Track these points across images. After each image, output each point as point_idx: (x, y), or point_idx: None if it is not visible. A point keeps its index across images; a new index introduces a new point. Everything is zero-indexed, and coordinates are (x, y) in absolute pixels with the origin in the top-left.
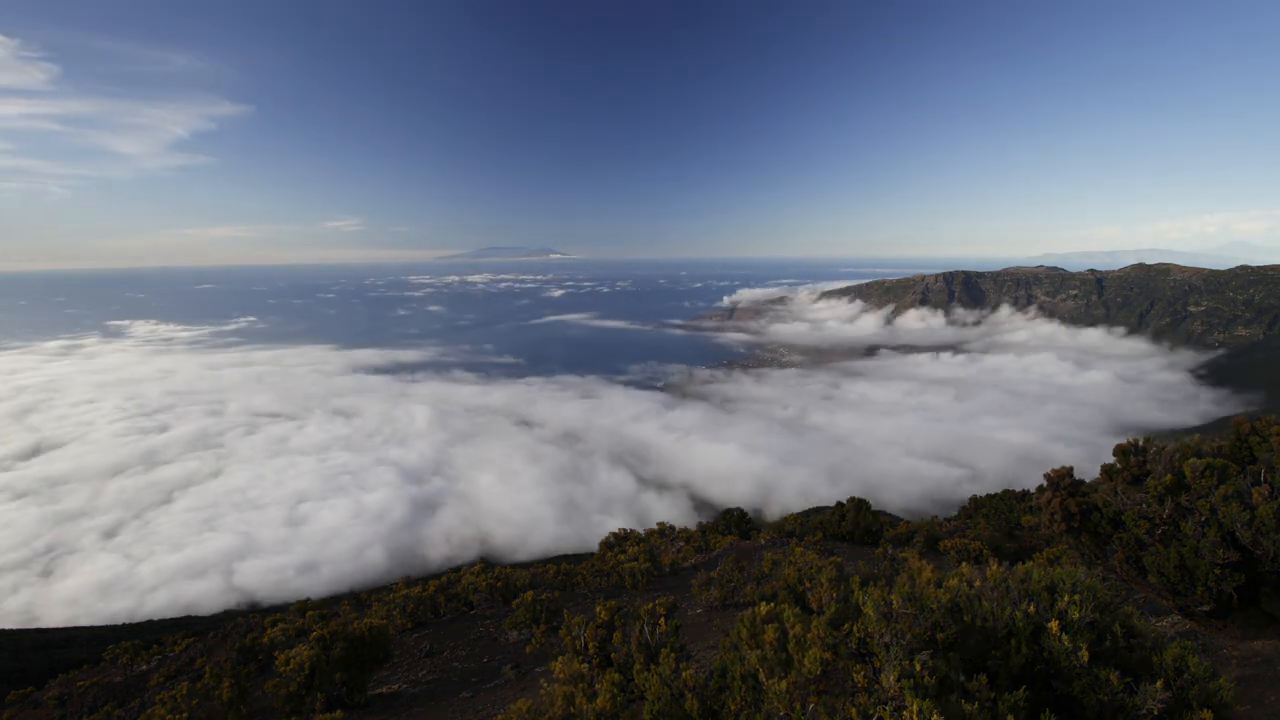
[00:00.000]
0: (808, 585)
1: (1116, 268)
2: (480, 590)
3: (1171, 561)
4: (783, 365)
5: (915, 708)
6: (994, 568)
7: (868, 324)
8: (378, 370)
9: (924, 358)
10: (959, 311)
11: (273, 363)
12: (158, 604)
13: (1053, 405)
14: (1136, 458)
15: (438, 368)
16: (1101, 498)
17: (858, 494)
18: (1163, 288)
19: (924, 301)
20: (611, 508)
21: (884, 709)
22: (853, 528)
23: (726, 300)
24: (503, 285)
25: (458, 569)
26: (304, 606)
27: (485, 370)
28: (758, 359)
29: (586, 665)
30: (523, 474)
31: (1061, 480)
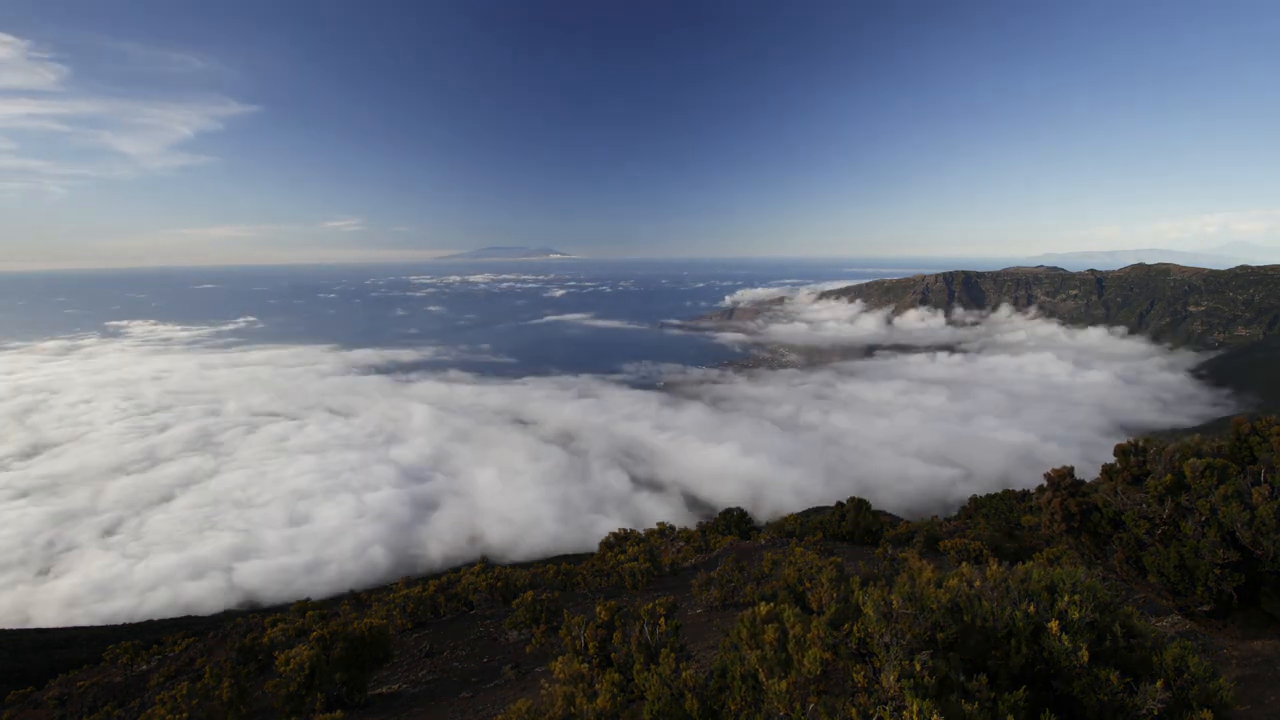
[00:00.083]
0: (808, 585)
1: (1116, 268)
2: (480, 590)
3: (1171, 561)
4: (781, 365)
5: (915, 708)
6: (994, 568)
7: (867, 324)
8: (376, 370)
9: (923, 358)
10: (959, 311)
11: (272, 362)
12: (157, 604)
13: (1052, 405)
14: (1136, 458)
15: (436, 368)
16: (1101, 498)
17: (854, 494)
18: (1163, 288)
19: (924, 301)
20: (607, 508)
21: (884, 709)
22: (853, 528)
23: (728, 300)
24: (504, 285)
25: (457, 569)
26: (304, 606)
27: (485, 370)
28: (756, 359)
29: (586, 665)
30: (520, 474)
31: (1062, 480)
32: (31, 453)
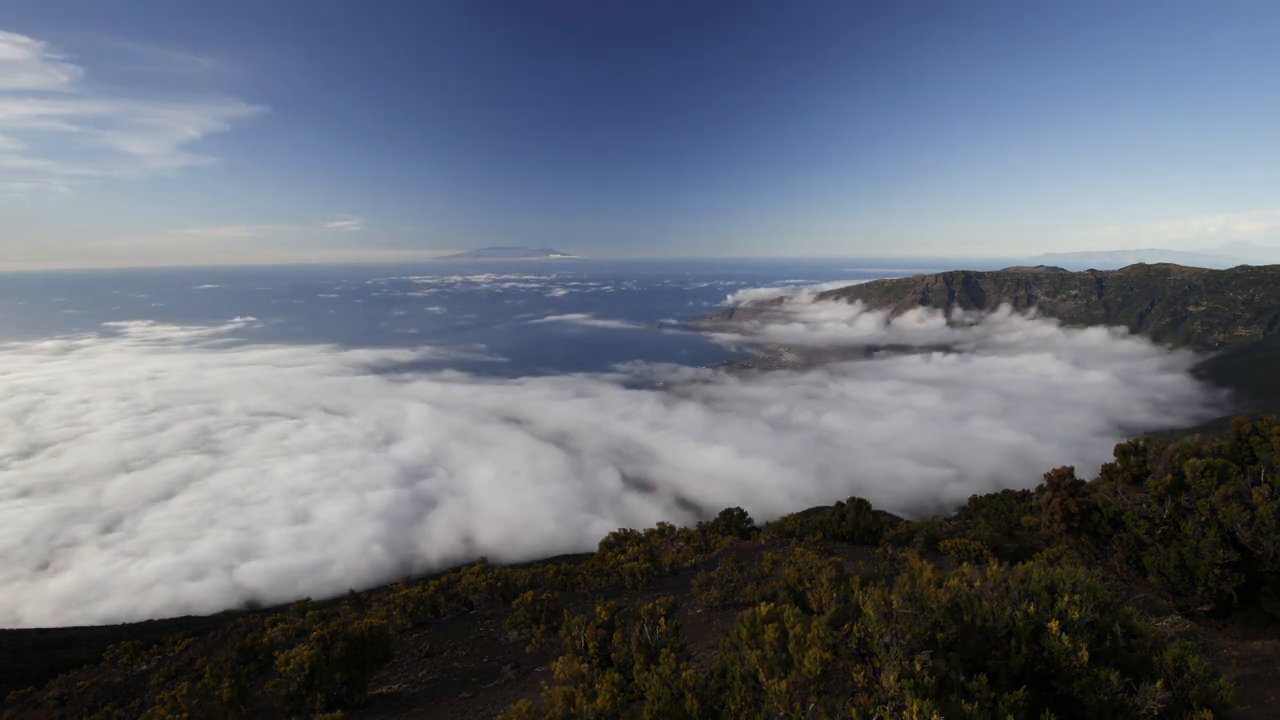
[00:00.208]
0: (808, 585)
1: (1117, 268)
2: (480, 590)
3: (1171, 561)
4: (780, 366)
5: (915, 708)
6: (994, 568)
7: (867, 324)
8: (375, 370)
9: (922, 358)
10: (959, 312)
11: (270, 362)
12: (157, 604)
13: (1052, 406)
14: (1136, 458)
15: (435, 368)
16: (1101, 498)
17: (846, 494)
18: (1163, 288)
19: (924, 302)
20: (600, 507)
21: (884, 709)
22: (852, 528)
23: (729, 299)
24: (506, 285)
25: (457, 569)
26: (304, 606)
27: (483, 370)
28: (755, 360)
29: (586, 665)
30: (516, 474)
31: (1062, 480)
32: (29, 452)
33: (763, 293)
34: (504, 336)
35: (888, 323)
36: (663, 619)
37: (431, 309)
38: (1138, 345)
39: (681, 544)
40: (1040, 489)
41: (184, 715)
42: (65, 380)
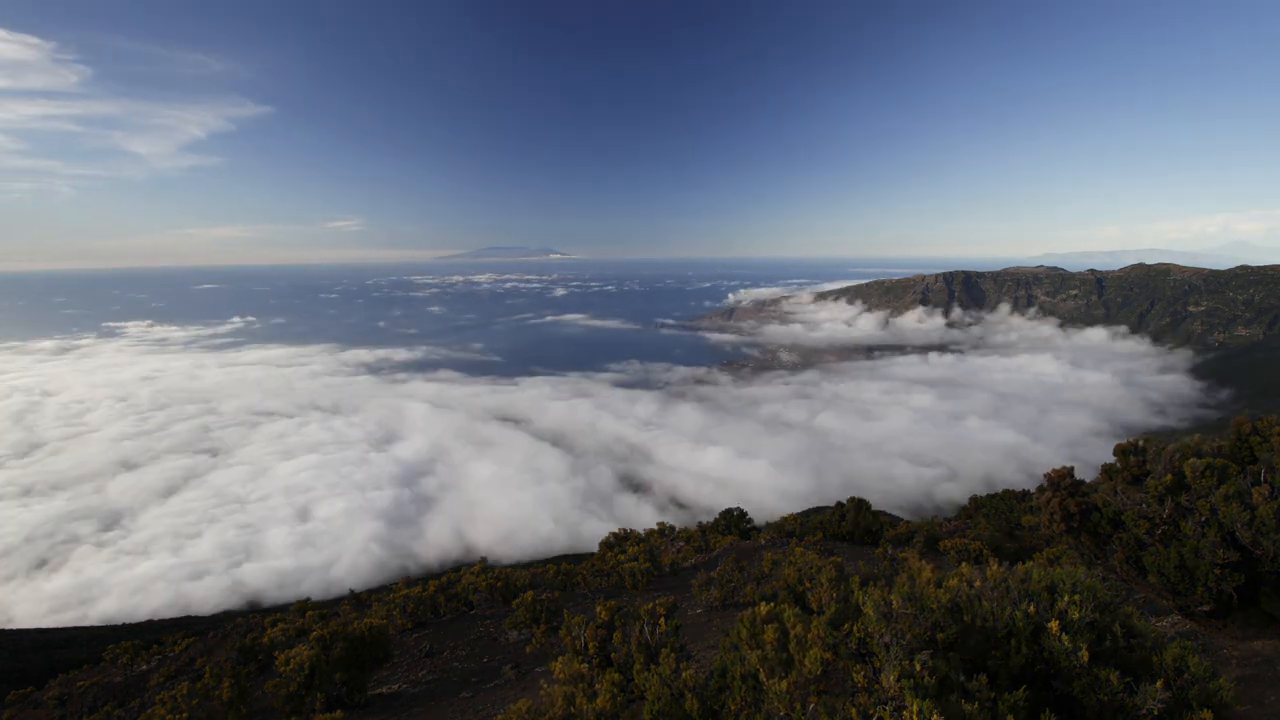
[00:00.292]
0: (808, 585)
1: (1117, 268)
2: (480, 590)
3: (1171, 561)
4: (779, 366)
5: (915, 708)
6: (994, 568)
7: (867, 324)
8: (374, 370)
9: (921, 358)
10: (958, 312)
11: (269, 362)
12: (157, 603)
13: (1051, 406)
14: (1136, 458)
15: (434, 367)
16: (1101, 498)
17: (838, 494)
18: (1163, 288)
19: (924, 302)
20: (594, 506)
21: (884, 709)
22: (852, 528)
23: (731, 298)
24: (508, 285)
25: (457, 569)
26: (304, 606)
27: (482, 370)
28: (754, 360)
29: (586, 665)
30: (512, 473)
31: (1062, 480)
32: (26, 451)
33: (763, 292)
34: (504, 336)
35: (887, 323)
36: (663, 619)
37: (433, 309)
38: (1138, 345)
39: (681, 544)
40: (1040, 489)
41: (184, 715)
42: (63, 380)
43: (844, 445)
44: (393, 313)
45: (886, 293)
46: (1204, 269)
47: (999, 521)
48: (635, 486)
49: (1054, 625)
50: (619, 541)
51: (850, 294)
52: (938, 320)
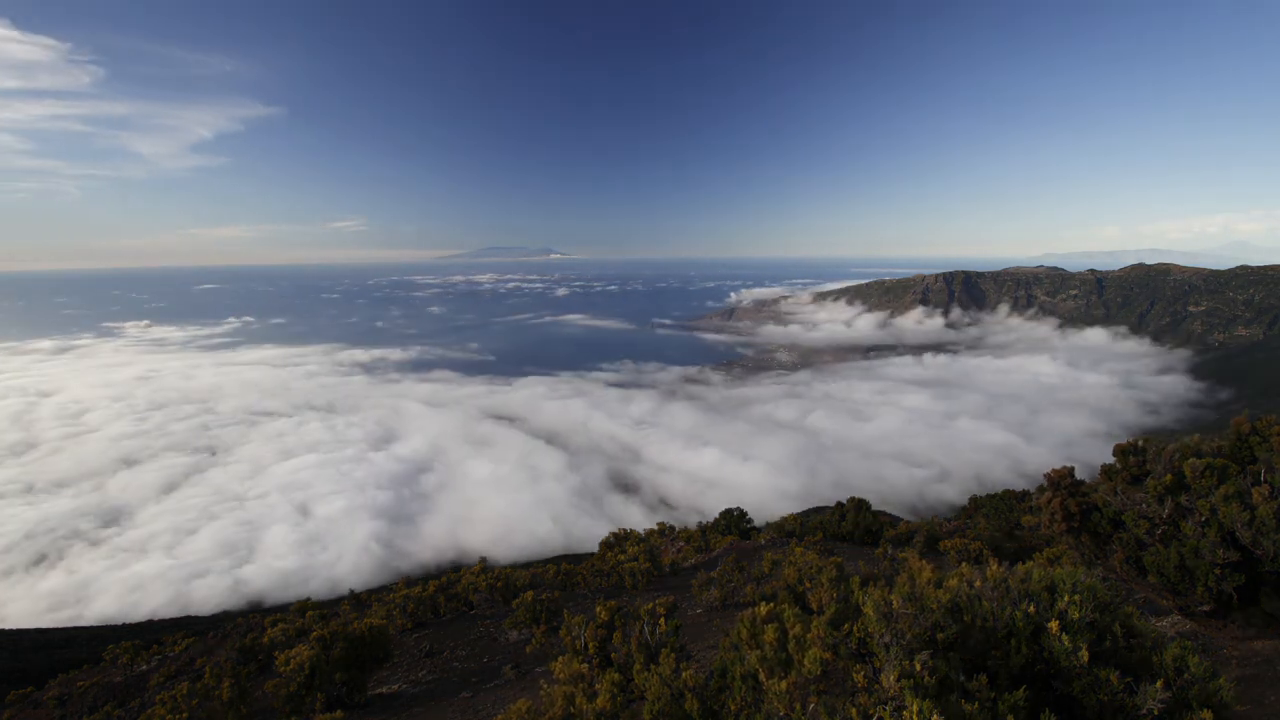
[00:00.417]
0: (808, 585)
1: (1117, 268)
2: (480, 590)
3: (1171, 561)
4: (774, 366)
5: (915, 708)
6: (994, 568)
7: (867, 324)
8: (372, 370)
9: (923, 358)
10: (958, 312)
11: (268, 362)
12: (156, 603)
13: (1051, 406)
14: (1136, 458)
15: (433, 368)
16: (1101, 498)
17: (830, 494)
18: (1163, 288)
19: (924, 302)
20: (590, 506)
21: (884, 709)
22: (853, 528)
23: (733, 297)
24: (510, 284)
25: (457, 569)
26: (304, 606)
27: (479, 370)
28: (749, 360)
29: (586, 665)
30: (509, 473)
31: (1062, 480)
32: (23, 451)
33: (764, 293)
34: (502, 336)
35: (887, 323)
36: (663, 619)
37: (433, 309)
38: (1138, 345)
39: (681, 544)
40: (1040, 489)
41: (184, 715)
42: (60, 380)
43: (835, 445)
44: (392, 313)
45: (886, 293)
46: (1204, 269)
47: (999, 521)
48: (625, 486)
49: (1054, 625)
50: (619, 541)
51: (850, 294)
52: (937, 320)
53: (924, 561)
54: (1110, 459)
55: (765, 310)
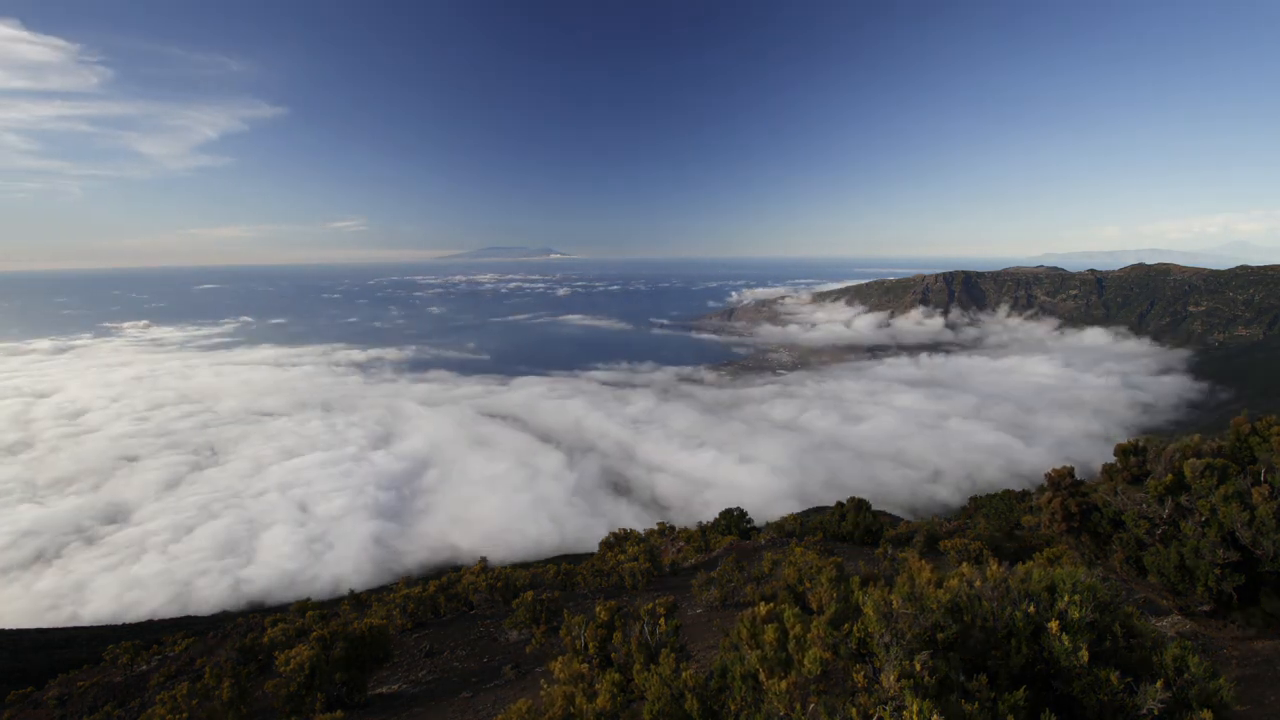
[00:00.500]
0: (808, 585)
1: (1117, 268)
2: (480, 590)
3: (1171, 561)
4: (770, 366)
5: (915, 708)
6: (994, 568)
7: (867, 324)
8: (371, 370)
9: (917, 358)
10: (958, 312)
11: (267, 362)
12: (156, 603)
13: (1050, 406)
14: (1136, 458)
15: (432, 367)
16: (1101, 498)
17: (829, 495)
18: (1163, 288)
19: (924, 302)
20: (585, 505)
21: (884, 709)
22: (853, 528)
23: (734, 297)
24: (512, 284)
25: (457, 569)
26: (304, 606)
27: (478, 370)
28: (745, 360)
29: (586, 665)
30: (504, 473)
31: (1062, 480)
32: (20, 451)
33: (765, 292)
34: (499, 336)
35: (888, 323)
36: (663, 619)
37: (433, 309)
38: (1138, 345)
39: (681, 544)
40: (1040, 489)
41: (184, 715)
42: (58, 380)
43: (830, 444)
44: (394, 313)
45: (886, 293)
46: (1204, 269)
47: (999, 521)
48: (617, 485)
49: (1054, 625)
50: (619, 541)
51: (850, 294)
52: (937, 320)
53: (924, 561)
54: (1109, 459)
55: (766, 310)
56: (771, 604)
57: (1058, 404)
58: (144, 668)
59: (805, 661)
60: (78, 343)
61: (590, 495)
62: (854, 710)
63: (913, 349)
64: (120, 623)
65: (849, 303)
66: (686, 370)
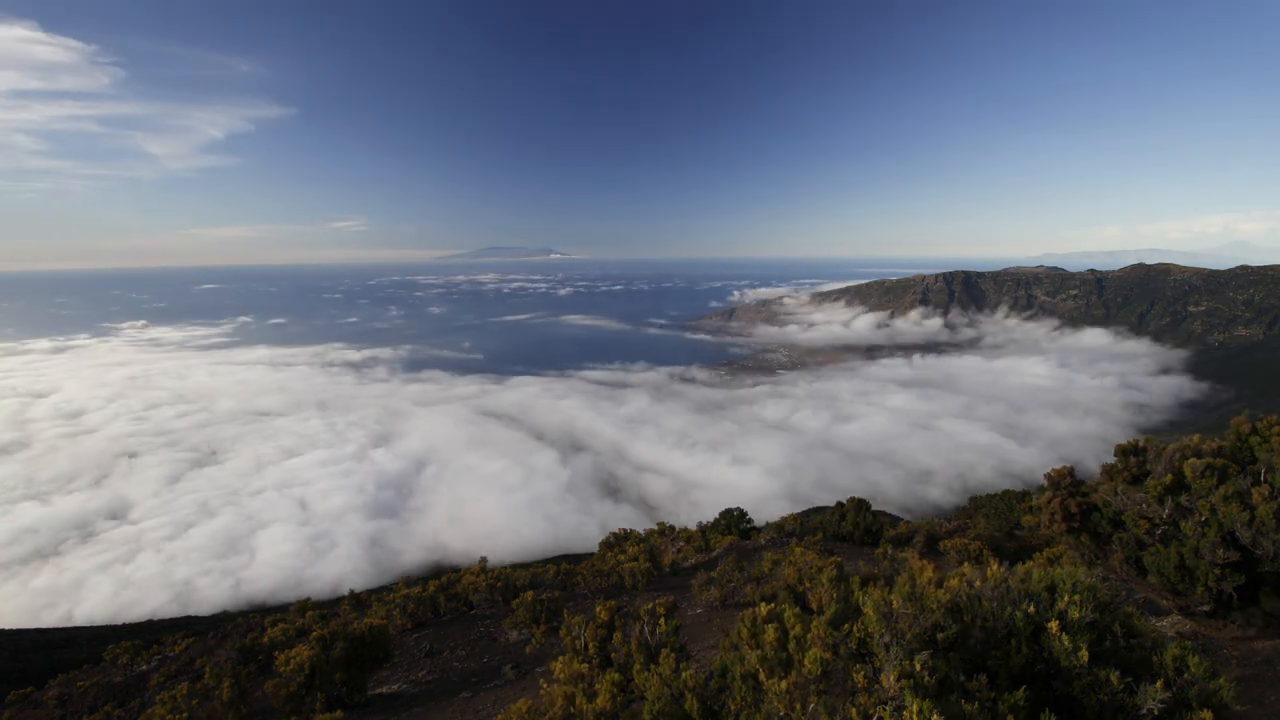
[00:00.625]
0: (808, 585)
1: (1117, 268)
2: (480, 590)
3: (1171, 561)
4: (766, 367)
5: (915, 708)
6: (994, 568)
7: (868, 324)
8: (369, 370)
9: (909, 360)
10: (958, 312)
11: (261, 362)
12: (157, 603)
13: (1051, 406)
14: (1136, 458)
15: (431, 367)
16: (1102, 498)
17: (820, 494)
18: (1163, 288)
19: (924, 302)
20: (577, 504)
21: (884, 709)
22: (853, 528)
23: (735, 296)
24: (513, 284)
25: (457, 569)
26: (304, 606)
27: (469, 370)
28: (742, 360)
29: (586, 665)
30: (499, 472)
31: (1062, 480)
32: (17, 450)
33: (766, 292)
34: (496, 336)
35: (887, 323)
36: (663, 619)
37: (436, 310)
38: (1138, 345)
39: (681, 544)
40: (1040, 489)
41: (184, 715)
42: (56, 379)
43: (821, 444)
44: (392, 313)
45: (886, 293)
46: (1204, 269)
47: (999, 521)
48: (608, 485)
49: (1054, 625)
50: (619, 541)
51: (850, 294)
52: (936, 321)
53: (924, 561)
54: (1105, 459)
55: (765, 310)
56: (772, 604)
57: (1051, 405)
58: (144, 668)
59: (805, 661)
60: (75, 343)
61: (582, 494)
62: (854, 710)
63: (912, 349)
64: (120, 622)
65: (849, 303)
66: (686, 371)
